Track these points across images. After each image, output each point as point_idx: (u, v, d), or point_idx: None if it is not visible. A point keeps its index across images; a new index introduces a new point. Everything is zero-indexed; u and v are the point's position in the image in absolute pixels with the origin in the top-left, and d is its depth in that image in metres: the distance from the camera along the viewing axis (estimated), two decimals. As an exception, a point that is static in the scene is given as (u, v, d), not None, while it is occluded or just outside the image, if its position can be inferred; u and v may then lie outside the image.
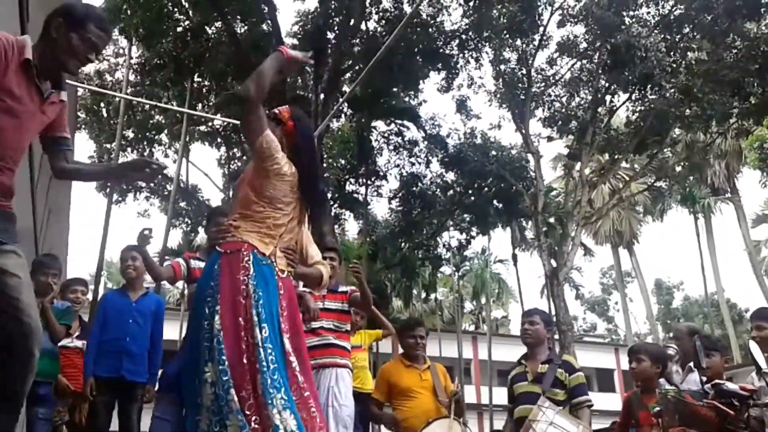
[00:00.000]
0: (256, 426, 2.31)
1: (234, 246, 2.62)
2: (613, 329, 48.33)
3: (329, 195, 19.14)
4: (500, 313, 44.58)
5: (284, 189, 2.72)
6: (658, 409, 3.73)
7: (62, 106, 2.55)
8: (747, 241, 31.41)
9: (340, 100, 16.38)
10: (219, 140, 22.33)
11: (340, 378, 4.45)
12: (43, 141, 2.57)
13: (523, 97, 20.33)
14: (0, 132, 2.27)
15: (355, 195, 22.61)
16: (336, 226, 21.01)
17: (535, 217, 20.29)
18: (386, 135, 22.90)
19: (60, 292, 4.76)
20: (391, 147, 22.81)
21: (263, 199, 2.70)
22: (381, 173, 22.69)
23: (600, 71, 19.29)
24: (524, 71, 20.39)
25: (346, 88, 18.10)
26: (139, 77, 20.00)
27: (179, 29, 18.22)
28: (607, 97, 20.21)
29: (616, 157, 22.13)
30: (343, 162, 22.17)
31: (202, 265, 4.30)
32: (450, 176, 22.39)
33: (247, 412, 2.32)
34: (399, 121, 22.50)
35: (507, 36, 19.23)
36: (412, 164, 22.62)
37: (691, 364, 4.22)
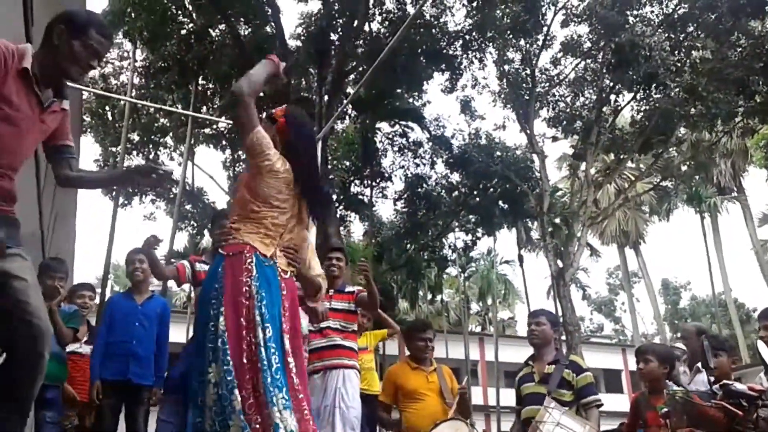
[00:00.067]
0: (257, 426, 2.33)
1: (236, 248, 2.63)
2: (620, 330, 48.23)
3: (334, 197, 19.14)
4: (507, 314, 44.56)
5: (278, 186, 2.72)
6: (666, 409, 3.71)
7: (64, 115, 2.55)
8: (754, 240, 31.29)
9: (344, 101, 16.41)
10: (224, 143, 22.36)
11: (347, 379, 4.45)
12: (45, 150, 2.58)
13: (527, 98, 20.31)
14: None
15: (360, 197, 22.63)
16: (341, 228, 21.01)
17: (541, 218, 20.25)
18: (391, 136, 22.94)
19: (67, 298, 4.77)
20: (396, 148, 22.84)
21: (258, 198, 2.71)
22: (386, 175, 22.71)
23: (604, 71, 19.26)
24: (528, 71, 20.38)
25: (350, 90, 18.12)
26: (143, 80, 20.04)
27: (183, 32, 18.28)
28: (612, 97, 20.17)
29: (621, 156, 22.06)
30: (347, 164, 22.21)
31: (207, 268, 4.32)
32: (455, 177, 22.39)
33: (248, 412, 2.34)
34: (403, 123, 22.52)
35: (511, 36, 19.22)
36: (417, 165, 22.65)
37: (699, 364, 4.20)
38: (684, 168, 23.33)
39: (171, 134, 22.03)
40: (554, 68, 21.05)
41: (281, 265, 2.70)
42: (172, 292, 33.42)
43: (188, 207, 22.06)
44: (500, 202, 21.61)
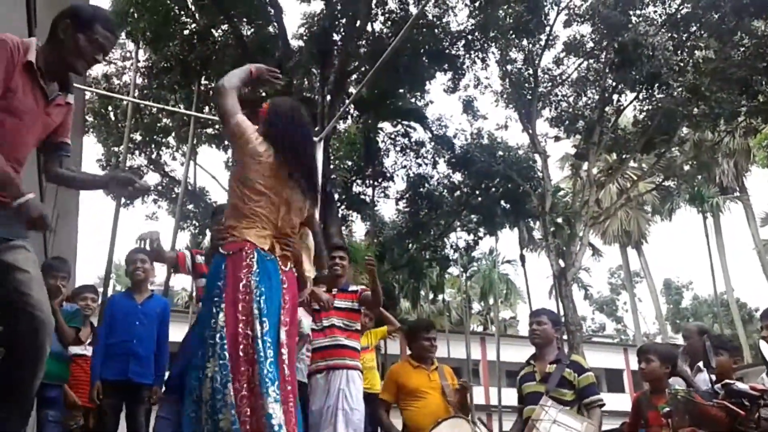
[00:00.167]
0: (246, 419, 2.36)
1: (236, 246, 2.66)
2: (622, 329, 48.19)
3: (336, 197, 19.15)
4: (508, 313, 44.54)
5: (262, 170, 2.73)
6: (667, 409, 3.71)
7: (68, 110, 2.57)
8: (756, 239, 31.24)
9: (347, 101, 16.38)
10: (226, 143, 22.34)
11: (350, 380, 4.44)
12: (43, 143, 2.59)
13: (529, 97, 20.31)
14: (4, 131, 2.29)
15: (362, 196, 22.61)
16: (343, 228, 21.00)
17: (543, 218, 20.23)
18: (393, 136, 22.91)
19: (70, 299, 4.79)
20: (398, 148, 22.82)
21: (246, 186, 2.74)
22: (388, 174, 22.69)
23: (607, 70, 19.24)
24: (531, 71, 20.38)
25: (352, 90, 18.09)
26: (146, 80, 20.05)
27: (186, 32, 18.28)
28: (615, 97, 20.15)
29: (623, 156, 22.04)
30: (349, 163, 22.18)
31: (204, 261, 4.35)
32: (457, 177, 22.36)
33: (240, 404, 2.38)
34: (405, 122, 22.49)
35: (513, 36, 19.21)
36: (419, 165, 22.61)
37: (701, 363, 4.20)
38: (686, 168, 23.31)
39: (173, 134, 22.04)
40: (557, 68, 21.06)
41: (279, 257, 2.73)
42: (174, 292, 33.49)
43: (190, 207, 22.08)
44: (502, 202, 21.59)
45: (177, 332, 4.60)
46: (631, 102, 20.01)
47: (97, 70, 20.06)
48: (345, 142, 21.90)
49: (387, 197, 23.07)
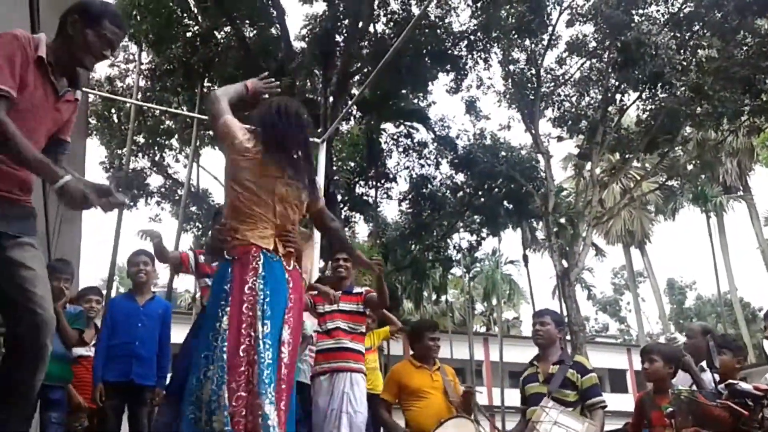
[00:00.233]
0: (241, 419, 2.38)
1: (242, 250, 2.67)
2: (626, 329, 48.10)
3: (339, 198, 19.16)
4: (511, 314, 44.48)
5: (251, 167, 2.74)
6: (670, 409, 3.71)
7: (75, 106, 2.58)
8: (760, 239, 31.14)
9: (349, 102, 16.39)
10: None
11: (354, 383, 4.43)
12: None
13: (532, 98, 20.29)
14: (16, 127, 2.29)
15: (365, 197, 22.61)
16: (346, 229, 21.01)
17: (546, 218, 20.22)
18: (395, 137, 22.91)
19: (74, 301, 4.79)
20: (401, 149, 22.82)
21: (239, 186, 2.74)
22: (390, 175, 22.69)
23: (610, 70, 19.22)
24: (533, 71, 20.36)
25: (354, 91, 18.10)
26: (149, 83, 20.09)
27: (189, 34, 18.31)
28: (617, 96, 20.12)
29: (626, 156, 22.02)
30: (352, 164, 22.18)
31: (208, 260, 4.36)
32: (460, 177, 22.36)
33: (235, 404, 2.39)
34: (408, 123, 22.49)
35: (516, 36, 19.19)
36: (422, 166, 22.62)
37: (704, 363, 4.19)
38: (690, 167, 23.27)
39: (176, 136, 22.08)
40: (559, 68, 21.05)
41: (283, 255, 2.75)
42: (177, 293, 33.50)
43: (193, 208, 22.11)
44: (505, 202, 21.59)
45: (180, 334, 4.60)
46: (634, 101, 19.99)
47: (100, 72, 20.14)
48: (348, 144, 21.91)
49: (390, 198, 23.09)
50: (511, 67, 20.37)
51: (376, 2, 17.87)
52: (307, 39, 18.61)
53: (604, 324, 49.75)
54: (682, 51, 18.10)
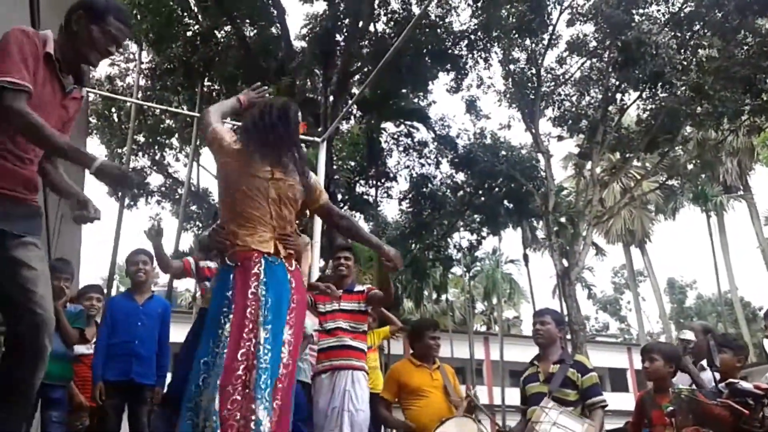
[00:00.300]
0: (233, 423, 2.37)
1: (243, 256, 2.68)
2: (626, 329, 48.13)
3: (339, 197, 19.16)
4: (512, 313, 44.50)
5: (239, 169, 2.74)
6: (671, 408, 3.71)
7: (80, 103, 2.58)
8: (760, 238, 31.12)
9: (350, 102, 16.39)
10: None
11: (356, 381, 4.41)
12: None
13: (532, 97, 20.28)
14: None
15: (365, 197, 22.60)
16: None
17: (546, 217, 20.21)
18: (396, 136, 22.92)
19: (75, 299, 4.79)
20: (401, 148, 22.82)
21: (232, 190, 2.76)
22: (391, 175, 22.69)
23: (610, 69, 19.22)
24: (534, 71, 20.35)
25: (355, 90, 18.11)
26: (149, 82, 20.11)
27: (189, 34, 18.32)
28: (618, 96, 20.12)
29: (627, 155, 22.01)
30: (352, 164, 22.16)
31: (211, 264, 4.36)
32: (460, 177, 22.36)
33: (230, 407, 2.39)
34: (408, 123, 22.49)
35: (516, 35, 19.19)
36: (422, 165, 22.62)
37: (704, 362, 4.19)
38: (690, 167, 23.25)
39: (177, 135, 22.10)
40: (560, 67, 21.05)
41: (284, 257, 2.75)
42: (177, 293, 33.51)
43: (193, 207, 22.12)
44: (505, 202, 21.58)
45: (180, 333, 4.60)
46: (635, 101, 19.99)
47: (101, 71, 20.14)
48: (348, 143, 21.88)
49: (390, 197, 23.08)
50: (512, 67, 20.36)
51: (377, 1, 17.88)
52: (307, 38, 18.62)
53: (604, 323, 49.83)
54: (682, 50, 18.10)
